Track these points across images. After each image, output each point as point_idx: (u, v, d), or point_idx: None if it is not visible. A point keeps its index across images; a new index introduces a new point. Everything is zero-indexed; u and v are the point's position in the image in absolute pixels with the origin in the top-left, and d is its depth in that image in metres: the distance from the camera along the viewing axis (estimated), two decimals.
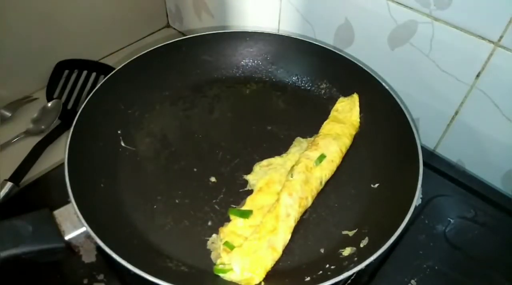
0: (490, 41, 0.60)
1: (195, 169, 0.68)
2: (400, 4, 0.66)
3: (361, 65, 0.74)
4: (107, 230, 0.54)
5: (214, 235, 0.59)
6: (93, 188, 0.61)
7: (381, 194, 0.64)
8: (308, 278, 0.53)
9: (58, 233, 0.53)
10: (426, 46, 0.67)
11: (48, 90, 0.86)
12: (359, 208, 0.63)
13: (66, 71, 0.89)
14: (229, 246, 0.56)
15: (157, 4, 1.06)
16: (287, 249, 0.58)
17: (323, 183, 0.65)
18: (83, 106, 0.67)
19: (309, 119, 0.75)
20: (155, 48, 0.77)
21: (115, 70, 0.73)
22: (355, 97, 0.75)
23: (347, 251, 0.57)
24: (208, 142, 0.72)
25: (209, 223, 0.61)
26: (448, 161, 0.75)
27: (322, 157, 0.65)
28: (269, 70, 0.84)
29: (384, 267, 0.59)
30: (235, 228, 0.59)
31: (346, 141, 0.70)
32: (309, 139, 0.71)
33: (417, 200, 0.56)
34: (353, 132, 0.72)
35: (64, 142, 0.78)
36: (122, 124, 0.72)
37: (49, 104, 0.83)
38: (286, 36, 0.81)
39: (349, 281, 0.58)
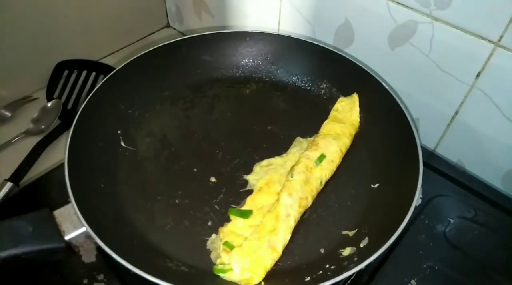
0: (490, 41, 0.60)
1: (195, 169, 0.68)
2: (400, 4, 0.66)
3: (361, 65, 0.74)
4: (107, 230, 0.54)
5: (214, 235, 0.59)
6: (93, 188, 0.61)
7: (381, 194, 0.64)
8: (308, 278, 0.53)
9: (58, 233, 0.53)
10: (426, 46, 0.67)
11: (48, 90, 0.87)
12: (359, 208, 0.63)
13: (66, 71, 0.89)
14: (229, 246, 0.56)
15: (157, 4, 1.06)
16: (287, 249, 0.58)
17: (323, 183, 0.65)
18: (83, 106, 0.67)
19: (309, 119, 0.75)
20: (155, 48, 0.77)
21: (115, 70, 0.73)
22: (355, 97, 0.75)
23: (347, 251, 0.57)
24: (208, 142, 0.72)
25: (209, 223, 0.61)
26: (448, 161, 0.75)
27: (322, 157, 0.65)
28: (269, 70, 0.84)
29: (384, 267, 0.59)
30: (235, 228, 0.59)
31: (346, 141, 0.70)
32: (309, 139, 0.71)
33: (417, 200, 0.56)
34: (353, 132, 0.72)
35: (64, 142, 0.78)
36: (122, 124, 0.72)
37: (49, 104, 0.83)
38: (286, 36, 0.81)
39: (349, 281, 0.58)
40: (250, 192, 0.64)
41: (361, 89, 0.75)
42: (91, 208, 0.55)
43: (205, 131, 0.74)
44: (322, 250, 0.59)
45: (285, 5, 0.83)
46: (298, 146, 0.70)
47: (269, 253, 0.56)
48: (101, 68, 0.89)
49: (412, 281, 0.58)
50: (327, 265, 0.55)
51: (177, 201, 0.64)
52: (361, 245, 0.57)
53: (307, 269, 0.56)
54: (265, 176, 0.65)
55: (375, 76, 0.72)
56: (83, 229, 0.53)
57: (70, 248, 0.55)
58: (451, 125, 0.72)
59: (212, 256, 0.57)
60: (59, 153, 0.77)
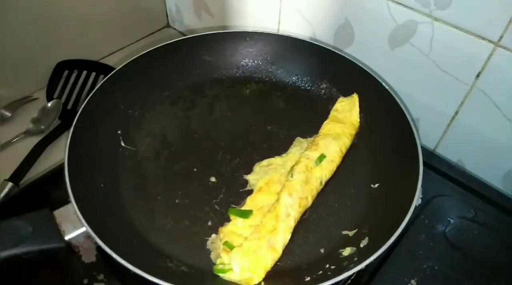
0: (490, 41, 0.60)
1: (195, 169, 0.68)
2: (400, 4, 0.66)
3: (361, 65, 0.74)
4: (107, 230, 0.54)
5: (213, 235, 0.59)
6: (93, 188, 0.61)
7: (381, 194, 0.64)
8: (308, 278, 0.53)
9: (58, 233, 0.53)
10: (426, 46, 0.67)
11: (48, 90, 0.86)
12: (359, 208, 0.63)
13: (66, 71, 0.89)
14: (229, 246, 0.56)
15: (157, 4, 1.06)
16: (287, 249, 0.58)
17: (323, 183, 0.65)
18: (83, 106, 0.67)
19: (309, 119, 0.75)
20: (155, 48, 0.77)
21: (115, 70, 0.73)
22: (355, 97, 0.75)
23: (347, 251, 0.57)
24: (208, 142, 0.72)
25: (209, 223, 0.61)
26: (448, 161, 0.75)
27: (322, 157, 0.65)
28: (269, 70, 0.84)
29: (384, 267, 0.59)
30: (235, 228, 0.59)
31: (346, 141, 0.70)
32: (309, 139, 0.71)
33: (417, 200, 0.56)
34: (353, 132, 0.72)
35: (64, 142, 0.78)
36: (122, 124, 0.72)
37: (49, 104, 0.83)
38: (286, 36, 0.81)
39: (349, 281, 0.58)
40: (250, 192, 0.64)
41: (361, 89, 0.75)
42: (91, 208, 0.55)
43: (205, 131, 0.74)
44: (322, 250, 0.59)
45: (285, 5, 0.83)
46: (298, 146, 0.70)
47: (269, 253, 0.56)
48: (101, 68, 0.89)
49: (412, 281, 0.58)
50: (327, 265, 0.55)
51: (177, 201, 0.64)
52: (361, 245, 0.57)
53: (307, 269, 0.56)
54: (265, 176, 0.65)
55: (375, 76, 0.72)
56: (83, 229, 0.53)
57: (70, 248, 0.55)
58: (451, 125, 0.72)
59: (212, 256, 0.57)
60: (59, 153, 0.77)
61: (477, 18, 0.60)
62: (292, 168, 0.64)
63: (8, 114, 0.83)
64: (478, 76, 0.64)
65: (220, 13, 0.95)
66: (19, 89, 0.86)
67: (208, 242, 0.59)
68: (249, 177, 0.66)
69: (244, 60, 0.84)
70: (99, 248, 0.55)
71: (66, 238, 0.53)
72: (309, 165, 0.64)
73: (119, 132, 0.71)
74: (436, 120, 0.73)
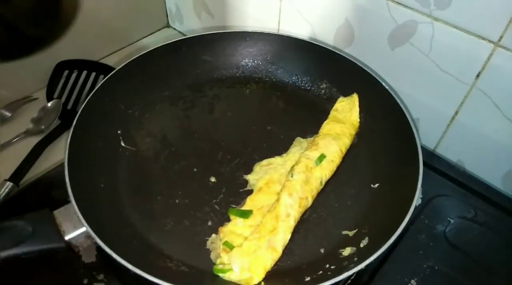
0: (490, 41, 0.60)
1: (195, 169, 0.68)
2: (400, 4, 0.66)
3: (361, 65, 0.74)
4: (107, 230, 0.54)
5: (213, 235, 0.59)
6: (93, 188, 0.61)
7: (381, 194, 0.64)
8: (308, 278, 0.53)
9: (58, 233, 0.53)
10: (426, 46, 0.67)
11: (48, 90, 0.86)
12: (359, 208, 0.63)
13: (66, 71, 0.89)
14: (229, 246, 0.56)
15: (157, 4, 1.06)
16: (287, 249, 0.58)
17: (323, 183, 0.65)
18: (83, 106, 0.67)
19: (309, 119, 0.75)
20: (155, 48, 0.77)
21: (115, 70, 0.73)
22: (355, 97, 0.75)
23: (347, 251, 0.57)
24: (208, 142, 0.72)
25: (209, 223, 0.61)
26: (448, 161, 0.75)
27: (322, 157, 0.65)
28: (269, 70, 0.84)
29: (384, 267, 0.59)
30: (234, 228, 0.59)
31: (346, 141, 0.70)
32: (309, 139, 0.71)
33: (417, 200, 0.56)
34: (353, 132, 0.72)
35: (64, 142, 0.78)
36: (122, 124, 0.72)
37: (49, 104, 0.83)
38: (286, 36, 0.81)
39: (349, 281, 0.58)
40: (250, 192, 0.64)
41: (361, 89, 0.75)
42: (91, 208, 0.55)
43: (205, 131, 0.74)
44: (322, 250, 0.59)
45: (285, 5, 0.83)
46: (298, 146, 0.70)
47: (269, 253, 0.56)
48: (101, 68, 0.89)
49: (412, 281, 0.58)
50: (327, 265, 0.55)
51: (177, 201, 0.64)
52: (361, 245, 0.57)
53: (307, 269, 0.56)
54: (265, 176, 0.65)
55: (375, 76, 0.72)
56: (83, 229, 0.53)
57: (70, 248, 0.55)
58: (451, 125, 0.72)
59: (212, 256, 0.57)
60: (59, 153, 0.77)
61: (477, 18, 0.60)
62: (292, 168, 0.64)
63: (8, 114, 0.83)
64: (478, 76, 0.64)
65: (220, 13, 0.95)
66: (19, 89, 0.86)
67: (208, 242, 0.59)
68: (249, 177, 0.66)
69: (244, 60, 0.84)
70: (99, 248, 0.55)
71: (66, 238, 0.53)
72: (309, 165, 0.64)
73: (119, 132, 0.71)
74: (436, 120, 0.73)
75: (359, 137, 0.72)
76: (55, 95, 0.86)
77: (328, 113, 0.75)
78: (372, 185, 0.66)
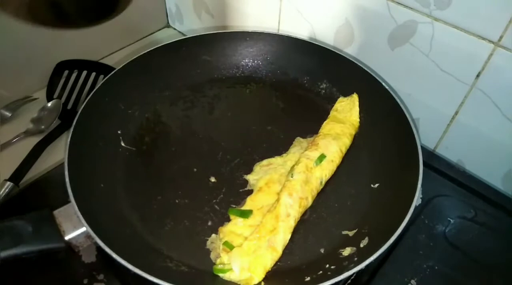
0: (490, 41, 0.60)
1: (195, 169, 0.68)
2: (400, 4, 0.66)
3: (361, 65, 0.74)
4: (107, 230, 0.54)
5: (213, 235, 0.59)
6: (93, 188, 0.61)
7: (381, 194, 0.64)
8: (308, 278, 0.53)
9: (58, 233, 0.53)
10: (426, 46, 0.67)
11: (48, 90, 0.86)
12: (359, 208, 0.63)
13: (66, 71, 0.89)
14: (229, 246, 0.56)
15: (157, 4, 1.06)
16: (287, 249, 0.58)
17: (323, 183, 0.65)
18: (83, 106, 0.67)
19: (309, 119, 0.75)
20: (155, 48, 0.77)
21: (115, 70, 0.73)
22: (355, 97, 0.75)
23: (347, 251, 0.57)
24: (208, 142, 0.72)
25: (209, 223, 0.61)
26: (448, 161, 0.75)
27: (322, 157, 0.65)
28: (269, 70, 0.84)
29: (384, 267, 0.59)
30: (235, 228, 0.59)
31: (346, 141, 0.70)
32: (309, 139, 0.71)
33: (417, 200, 0.56)
34: (353, 132, 0.72)
35: (64, 142, 0.78)
36: (122, 124, 0.72)
37: (49, 104, 0.83)
38: (286, 36, 0.81)
39: (349, 281, 0.58)
40: (250, 192, 0.64)
41: (361, 89, 0.75)
42: (91, 208, 0.55)
43: (205, 131, 0.74)
44: (322, 250, 0.59)
45: (285, 5, 0.83)
46: (298, 146, 0.70)
47: (269, 253, 0.56)
48: (101, 68, 0.89)
49: (412, 281, 0.58)
50: (327, 265, 0.55)
51: (177, 201, 0.64)
52: (361, 245, 0.56)
53: (307, 269, 0.56)
54: (265, 176, 0.65)
55: (375, 76, 0.72)
56: (83, 229, 0.53)
57: (70, 248, 0.55)
58: (451, 125, 0.72)
59: (212, 256, 0.57)
60: (59, 153, 0.77)
61: (477, 18, 0.60)
62: (292, 168, 0.64)
63: (8, 114, 0.83)
64: (478, 76, 0.64)
65: (220, 13, 0.95)
66: (19, 89, 0.86)
67: (208, 242, 0.59)
68: (249, 177, 0.66)
69: (244, 60, 0.84)
70: (99, 248, 0.55)
71: (66, 238, 0.53)
72: (309, 165, 0.64)
73: (119, 132, 0.71)
74: (436, 120, 0.73)
75: (359, 137, 0.72)
76: (55, 95, 0.86)
77: (328, 113, 0.75)
78: (372, 185, 0.66)
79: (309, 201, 0.62)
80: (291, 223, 0.58)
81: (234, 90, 0.82)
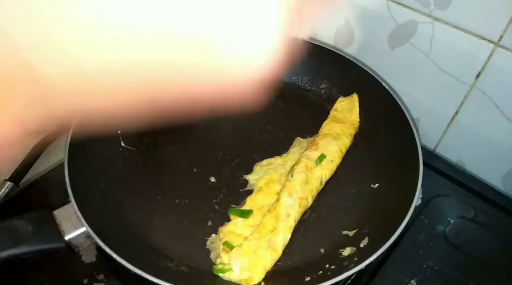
0: (490, 41, 0.60)
1: (195, 169, 0.68)
2: (400, 4, 0.66)
3: (361, 65, 0.74)
4: (107, 230, 0.54)
5: (213, 235, 0.59)
6: (93, 188, 0.61)
7: (381, 194, 0.64)
8: (308, 278, 0.53)
9: (58, 233, 0.53)
10: (426, 46, 0.67)
11: None
12: (359, 208, 0.63)
13: None
14: (229, 246, 0.56)
15: None
16: (287, 249, 0.58)
17: (323, 183, 0.65)
18: None
19: (309, 119, 0.75)
20: None
21: None
22: (355, 97, 0.75)
23: (347, 251, 0.57)
24: (208, 142, 0.72)
25: (209, 223, 0.61)
26: (448, 161, 0.75)
27: (322, 157, 0.65)
28: None
29: (384, 267, 0.59)
30: (234, 228, 0.59)
31: (346, 141, 0.70)
32: (309, 139, 0.71)
33: (417, 200, 0.56)
34: (353, 132, 0.72)
35: (64, 142, 0.78)
36: (122, 124, 0.72)
37: None
38: None
39: (349, 281, 0.58)
40: (250, 192, 0.64)
41: (361, 89, 0.75)
42: (91, 208, 0.55)
43: (205, 131, 0.74)
44: (322, 250, 0.59)
45: None
46: (298, 146, 0.70)
47: (269, 253, 0.55)
48: None
49: (412, 281, 0.58)
50: (327, 265, 0.55)
51: (177, 201, 0.64)
52: (361, 245, 0.57)
53: (307, 269, 0.56)
54: (265, 176, 0.65)
55: (375, 76, 0.72)
56: (83, 229, 0.53)
57: (70, 248, 0.55)
58: (451, 125, 0.72)
59: (212, 256, 0.57)
60: (59, 153, 0.77)
61: (477, 18, 0.60)
62: (292, 168, 0.64)
63: None
64: (478, 76, 0.64)
65: None
66: None
67: (208, 242, 0.59)
68: (249, 177, 0.66)
69: None
70: (99, 248, 0.55)
71: (66, 238, 0.53)
72: (309, 165, 0.64)
73: (119, 132, 0.71)
74: (436, 120, 0.73)
75: (359, 137, 0.72)
76: None
77: (328, 113, 0.75)
78: (372, 185, 0.66)
79: (309, 201, 0.62)
80: (291, 223, 0.58)
81: None
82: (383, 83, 0.70)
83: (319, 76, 0.80)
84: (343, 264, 0.54)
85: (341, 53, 0.76)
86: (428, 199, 0.67)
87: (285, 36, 0.24)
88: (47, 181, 0.69)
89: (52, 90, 0.22)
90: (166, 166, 0.68)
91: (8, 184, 0.69)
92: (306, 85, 0.81)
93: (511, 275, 0.59)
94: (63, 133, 0.80)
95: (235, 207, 0.62)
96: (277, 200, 0.60)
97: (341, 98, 0.77)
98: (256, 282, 0.54)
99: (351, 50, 0.78)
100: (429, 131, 0.75)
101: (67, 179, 0.57)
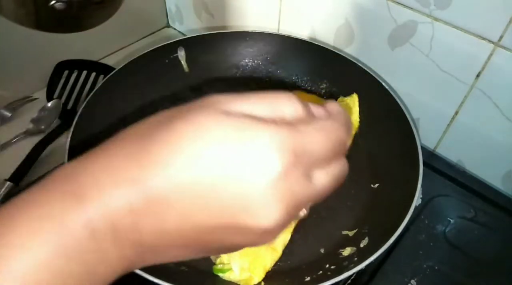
0: (490, 41, 0.60)
1: None
2: (400, 4, 0.66)
3: (361, 65, 0.74)
4: None
5: None
6: None
7: (381, 194, 0.64)
8: (308, 278, 0.53)
9: None
10: (426, 46, 0.67)
11: (48, 90, 0.86)
12: (359, 208, 0.63)
13: (66, 71, 0.89)
14: None
15: (157, 4, 1.06)
16: (287, 249, 0.58)
17: None
18: (83, 106, 0.67)
19: None
20: (155, 48, 0.77)
21: (115, 70, 0.73)
22: (355, 97, 0.75)
23: (347, 251, 0.57)
24: None
25: None
26: (448, 161, 0.75)
27: None
28: (269, 70, 0.84)
29: (384, 267, 0.59)
30: None
31: None
32: None
33: (417, 200, 0.56)
34: (353, 132, 0.72)
35: (64, 142, 0.78)
36: (122, 124, 0.72)
37: (49, 104, 0.83)
38: (286, 36, 0.81)
39: (349, 281, 0.58)
40: None
41: (361, 89, 0.75)
42: None
43: None
44: (322, 250, 0.59)
45: (285, 5, 0.83)
46: None
47: (269, 253, 0.55)
48: (101, 68, 0.89)
49: (412, 281, 0.58)
50: (327, 265, 0.55)
51: None
52: (361, 245, 0.56)
53: (307, 269, 0.56)
54: None
55: (375, 76, 0.72)
56: None
57: None
58: (451, 125, 0.72)
59: (212, 256, 0.57)
60: (59, 153, 0.77)
61: (477, 18, 0.60)
62: None
63: (8, 114, 0.83)
64: (478, 76, 0.64)
65: (220, 13, 0.95)
66: (19, 89, 0.86)
67: None
68: None
69: (244, 60, 0.84)
70: None
71: None
72: None
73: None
74: (436, 120, 0.73)
75: (359, 137, 0.72)
76: (55, 95, 0.86)
77: None
78: (372, 185, 0.66)
79: None
80: (291, 223, 0.58)
81: (234, 90, 0.81)
82: (383, 83, 0.70)
83: (319, 76, 0.80)
84: (343, 264, 0.54)
85: (341, 53, 0.76)
86: (428, 199, 0.67)
87: None
88: None
89: None
90: None
91: (8, 184, 0.69)
92: (306, 85, 0.81)
93: (511, 275, 0.59)
94: (63, 133, 0.80)
95: None
96: None
97: (341, 98, 0.77)
98: (256, 282, 0.54)
99: (351, 50, 0.78)
100: (429, 131, 0.75)
101: None
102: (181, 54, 0.80)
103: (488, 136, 0.68)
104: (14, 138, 0.78)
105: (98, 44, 0.96)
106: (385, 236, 0.52)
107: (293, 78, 0.82)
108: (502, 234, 0.63)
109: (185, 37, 0.82)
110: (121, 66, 0.73)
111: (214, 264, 0.56)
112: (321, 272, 0.54)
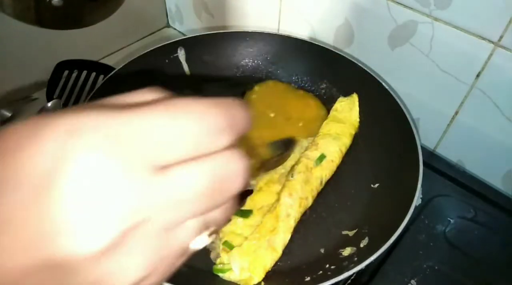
0: (490, 41, 0.60)
1: None
2: (400, 4, 0.66)
3: (361, 65, 0.74)
4: None
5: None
6: None
7: (381, 194, 0.64)
8: (308, 278, 0.53)
9: None
10: (426, 46, 0.67)
11: (48, 90, 0.86)
12: (359, 208, 0.63)
13: (66, 71, 0.89)
14: (229, 246, 0.56)
15: (157, 4, 1.06)
16: (287, 249, 0.58)
17: (323, 183, 0.65)
18: None
19: None
20: (155, 48, 0.77)
21: (115, 70, 0.73)
22: (355, 97, 0.75)
23: (347, 251, 0.57)
24: None
25: None
26: (448, 161, 0.75)
27: (322, 157, 0.65)
28: (269, 70, 0.84)
29: (384, 267, 0.59)
30: (234, 227, 0.59)
31: (346, 141, 0.70)
32: (309, 139, 0.71)
33: (417, 200, 0.56)
34: (353, 132, 0.72)
35: None
36: None
37: (49, 104, 0.82)
38: (286, 36, 0.81)
39: (349, 281, 0.58)
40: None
41: (361, 89, 0.75)
42: None
43: None
44: (322, 250, 0.59)
45: (285, 5, 0.83)
46: (298, 146, 0.70)
47: (269, 253, 0.55)
48: (101, 68, 0.89)
49: (412, 281, 0.58)
50: (327, 265, 0.55)
51: None
52: (361, 245, 0.56)
53: (307, 269, 0.56)
54: (265, 176, 0.65)
55: (375, 76, 0.72)
56: None
57: None
58: (451, 125, 0.72)
59: (212, 256, 0.57)
60: None
61: (477, 18, 0.60)
62: (292, 168, 0.64)
63: (8, 114, 0.83)
64: (478, 76, 0.64)
65: (220, 13, 0.95)
66: (19, 89, 0.86)
67: None
68: None
69: (244, 60, 0.84)
70: None
71: None
72: (309, 165, 0.64)
73: None
74: (436, 120, 0.73)
75: (359, 137, 0.72)
76: (55, 95, 0.85)
77: (328, 113, 0.75)
78: (372, 185, 0.66)
79: (309, 201, 0.62)
80: (291, 223, 0.58)
81: (234, 90, 0.81)
82: (383, 83, 0.70)
83: (319, 76, 0.80)
84: (343, 264, 0.54)
85: (341, 53, 0.76)
86: (428, 199, 0.67)
87: None
88: None
89: None
90: None
91: None
92: (306, 85, 0.81)
93: (511, 275, 0.59)
94: None
95: None
96: (277, 200, 0.60)
97: (341, 98, 0.77)
98: (256, 282, 0.54)
99: (351, 50, 0.78)
100: (429, 131, 0.75)
101: None
102: (181, 54, 0.80)
103: (488, 136, 0.68)
104: None
105: (98, 44, 0.96)
106: (385, 236, 0.52)
107: (293, 78, 0.82)
108: (502, 234, 0.63)
109: (185, 37, 0.82)
110: (121, 66, 0.73)
111: (214, 264, 0.56)
112: (321, 272, 0.54)
